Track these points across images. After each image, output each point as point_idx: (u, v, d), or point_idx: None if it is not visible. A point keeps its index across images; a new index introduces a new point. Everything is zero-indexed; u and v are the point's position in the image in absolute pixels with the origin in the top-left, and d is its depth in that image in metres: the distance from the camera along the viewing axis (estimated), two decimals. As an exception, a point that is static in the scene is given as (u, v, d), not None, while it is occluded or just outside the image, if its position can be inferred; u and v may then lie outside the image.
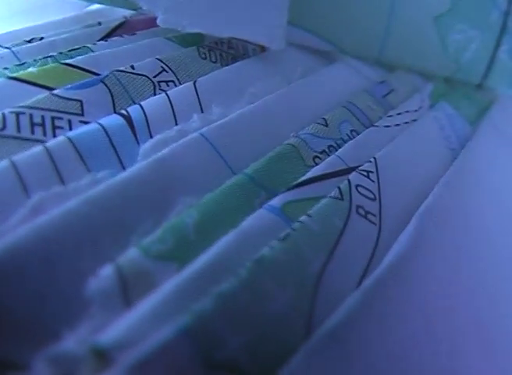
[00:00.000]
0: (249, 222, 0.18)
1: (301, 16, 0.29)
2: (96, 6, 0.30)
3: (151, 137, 0.20)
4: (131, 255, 0.16)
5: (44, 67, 0.22)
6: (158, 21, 0.24)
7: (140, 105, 0.21)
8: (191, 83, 0.23)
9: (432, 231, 0.20)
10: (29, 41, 0.25)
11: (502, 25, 0.28)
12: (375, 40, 0.30)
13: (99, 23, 0.27)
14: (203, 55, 0.25)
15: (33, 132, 0.19)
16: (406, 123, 0.25)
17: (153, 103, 0.22)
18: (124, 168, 0.19)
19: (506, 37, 0.29)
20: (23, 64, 0.22)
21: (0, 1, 0.30)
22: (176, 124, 0.21)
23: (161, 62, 0.24)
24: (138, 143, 0.20)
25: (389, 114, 0.25)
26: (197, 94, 0.23)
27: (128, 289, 0.16)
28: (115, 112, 0.21)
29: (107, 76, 0.22)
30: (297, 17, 0.29)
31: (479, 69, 0.30)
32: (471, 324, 0.19)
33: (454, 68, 0.30)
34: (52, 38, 0.25)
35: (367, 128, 0.24)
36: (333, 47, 0.30)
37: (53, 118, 0.20)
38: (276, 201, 0.19)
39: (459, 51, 0.29)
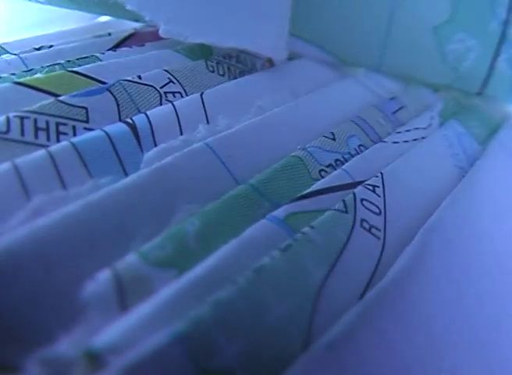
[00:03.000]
0: (250, 232, 0.18)
1: (301, 27, 0.29)
2: (107, 17, 0.30)
3: (156, 145, 0.20)
4: (130, 260, 0.16)
5: (51, 74, 0.22)
6: (160, 32, 0.24)
7: (146, 115, 0.21)
8: (198, 94, 0.23)
9: (436, 248, 0.20)
10: (38, 49, 0.25)
11: (501, 34, 0.28)
12: (374, 49, 0.30)
13: (109, 34, 0.27)
14: (211, 68, 0.25)
15: (36, 136, 0.19)
16: (414, 139, 0.25)
17: (159, 113, 0.21)
18: (127, 175, 0.19)
19: (505, 46, 0.28)
20: (30, 70, 0.22)
21: (16, 13, 0.31)
22: (182, 134, 0.21)
23: (169, 73, 0.24)
24: (142, 151, 0.20)
25: (398, 130, 0.25)
26: (204, 106, 0.23)
27: (125, 294, 0.15)
28: (120, 121, 0.21)
29: (113, 84, 0.22)
30: (297, 28, 0.29)
31: (478, 78, 0.30)
32: (473, 343, 0.19)
33: (453, 77, 0.30)
34: (61, 46, 0.25)
35: (375, 143, 0.24)
36: (333, 57, 0.30)
37: (58, 124, 0.20)
38: (279, 213, 0.19)
39: (458, 61, 0.29)
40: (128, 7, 0.24)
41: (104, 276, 0.16)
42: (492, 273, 0.21)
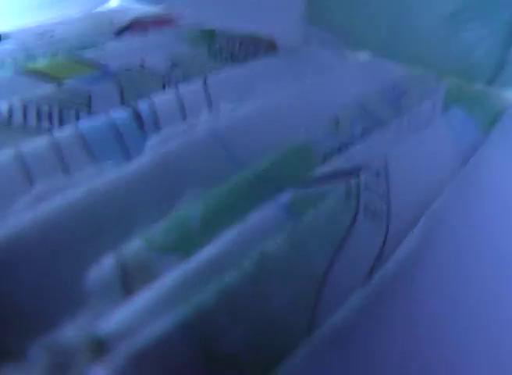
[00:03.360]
0: (255, 217, 0.18)
1: (312, 13, 0.29)
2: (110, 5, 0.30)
3: (159, 131, 0.20)
4: (134, 245, 0.16)
5: (54, 60, 0.22)
6: (177, 16, 0.24)
7: (149, 100, 0.21)
8: (201, 80, 0.23)
9: (439, 235, 0.20)
10: (41, 37, 0.25)
11: None
12: (386, 36, 0.30)
13: (111, 22, 0.27)
14: (213, 54, 0.25)
15: (39, 122, 0.19)
16: (417, 126, 0.25)
17: (162, 98, 0.21)
18: (130, 159, 0.19)
19: None
20: (33, 57, 0.22)
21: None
22: (185, 120, 0.21)
23: (172, 59, 0.24)
24: (146, 136, 0.20)
25: (401, 116, 0.25)
26: (207, 91, 0.23)
27: (129, 279, 0.15)
28: (123, 105, 0.21)
29: (116, 71, 0.22)
30: (308, 14, 0.29)
31: (489, 67, 0.30)
32: (475, 332, 0.19)
33: (465, 66, 0.30)
34: (63, 34, 0.25)
35: (379, 129, 0.24)
36: (344, 41, 0.30)
37: (61, 109, 0.20)
38: (284, 197, 0.19)
39: (470, 49, 0.29)
40: None
41: (108, 261, 0.16)
42: (494, 261, 0.21)
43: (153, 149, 0.19)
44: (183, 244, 0.17)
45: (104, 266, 0.15)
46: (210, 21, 0.25)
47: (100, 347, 0.14)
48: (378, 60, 0.29)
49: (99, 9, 0.29)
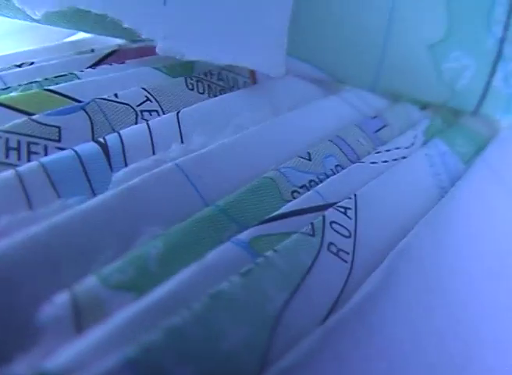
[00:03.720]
0: (213, 255, 0.18)
1: (296, 45, 0.29)
2: (84, 34, 0.30)
3: (127, 165, 0.20)
4: (88, 283, 0.16)
5: (26, 92, 0.22)
6: (157, 49, 0.24)
7: (119, 134, 0.21)
8: (174, 113, 0.23)
9: (404, 272, 0.20)
10: (19, 66, 0.25)
11: (497, 52, 0.28)
12: (369, 68, 0.30)
13: (92, 50, 0.28)
14: (190, 86, 0.25)
15: (7, 156, 0.20)
16: (394, 159, 0.24)
17: (132, 132, 0.21)
18: (96, 195, 0.19)
19: (501, 64, 0.29)
20: (7, 88, 0.23)
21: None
22: (154, 154, 0.21)
23: (146, 91, 0.24)
24: (112, 171, 0.20)
25: (378, 150, 0.25)
26: (179, 124, 0.23)
27: (81, 317, 0.16)
28: (93, 140, 0.21)
29: (88, 103, 0.22)
30: (292, 47, 0.29)
31: (474, 96, 0.30)
32: (445, 367, 0.19)
33: (449, 95, 0.30)
34: (41, 64, 0.25)
35: (353, 164, 0.24)
36: (327, 75, 0.30)
37: (29, 143, 0.20)
38: (245, 235, 0.19)
39: (454, 79, 0.29)
40: (124, 25, 0.24)
41: (61, 298, 0.16)
42: (465, 295, 0.21)
43: (118, 184, 0.19)
44: (139, 282, 0.17)
45: (57, 303, 0.16)
46: (190, 52, 0.25)
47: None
48: (360, 92, 0.29)
49: (76, 36, 0.30)
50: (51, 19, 0.26)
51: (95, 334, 0.15)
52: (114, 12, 0.24)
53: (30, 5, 0.25)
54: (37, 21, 0.26)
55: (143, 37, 0.24)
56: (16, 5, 0.25)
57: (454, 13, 0.28)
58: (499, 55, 0.28)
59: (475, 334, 0.20)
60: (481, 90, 0.29)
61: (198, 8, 0.25)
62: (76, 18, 0.27)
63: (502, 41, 0.28)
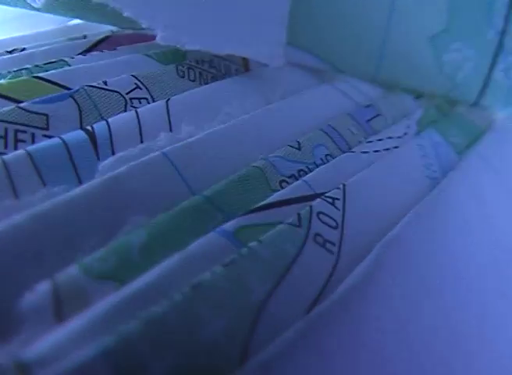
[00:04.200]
0: (197, 245, 0.18)
1: (297, 35, 0.29)
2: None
3: (114, 154, 0.20)
4: (70, 272, 0.16)
5: (14, 80, 0.22)
6: (157, 38, 0.24)
7: (107, 122, 0.21)
8: (163, 101, 0.23)
9: (390, 264, 0.20)
10: (10, 52, 0.25)
11: (498, 44, 0.28)
12: (370, 59, 0.30)
13: (84, 37, 0.27)
14: (181, 74, 0.25)
15: (-6, 145, 0.20)
16: (386, 149, 0.24)
17: (120, 120, 0.21)
18: (82, 184, 0.19)
19: (501, 56, 0.28)
20: (-3, 74, 0.23)
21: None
22: (142, 142, 0.21)
23: (136, 78, 0.24)
24: (99, 159, 0.20)
25: (370, 139, 0.25)
26: (168, 113, 0.23)
27: (62, 306, 0.16)
28: (81, 128, 0.21)
29: (77, 90, 0.22)
30: (293, 37, 0.29)
31: (474, 88, 0.30)
32: (431, 363, 0.19)
33: (449, 87, 0.30)
34: (32, 50, 0.25)
35: (344, 153, 0.23)
36: (329, 66, 0.30)
37: (16, 131, 0.20)
38: (230, 225, 0.19)
39: (454, 71, 0.29)
40: (125, 14, 0.24)
41: (42, 287, 0.16)
42: (453, 288, 0.21)
43: (104, 172, 0.19)
44: (121, 271, 0.17)
45: (38, 292, 0.16)
46: (191, 42, 0.25)
47: (24, 372, 0.14)
48: (355, 81, 0.29)
49: (75, 21, 0.30)
50: (51, 7, 0.26)
51: (75, 324, 0.15)
52: (114, 1, 0.24)
53: (30, -6, 0.25)
54: (38, 9, 0.26)
55: (143, 26, 0.24)
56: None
57: (455, 5, 0.28)
58: (499, 47, 0.28)
59: (463, 326, 0.20)
60: (482, 81, 0.29)
61: None
62: (76, 6, 0.27)
63: (502, 32, 0.28)
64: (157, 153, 0.20)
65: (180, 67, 0.26)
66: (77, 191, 0.18)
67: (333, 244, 0.19)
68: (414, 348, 0.19)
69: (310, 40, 0.29)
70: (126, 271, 0.17)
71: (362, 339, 0.18)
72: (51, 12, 0.27)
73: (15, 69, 0.23)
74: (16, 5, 0.27)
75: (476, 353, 0.19)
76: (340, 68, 0.30)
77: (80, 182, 0.19)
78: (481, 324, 0.20)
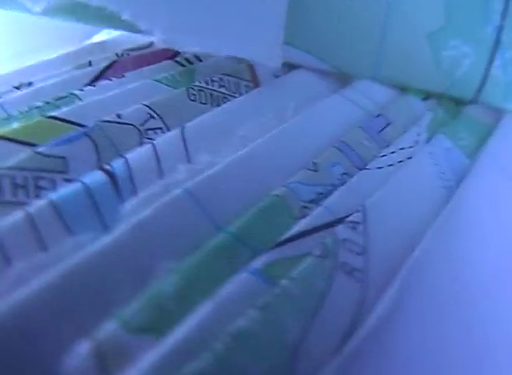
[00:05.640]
0: (229, 287, 0.18)
1: (295, 36, 0.29)
2: (88, 42, 0.29)
3: (135, 192, 0.20)
4: (109, 329, 0.16)
5: (28, 123, 0.22)
6: (156, 41, 0.24)
7: (126, 159, 0.21)
8: (178, 130, 0.23)
9: (416, 289, 0.20)
10: (17, 88, 0.25)
11: (495, 40, 0.28)
12: (368, 57, 0.30)
13: (90, 63, 0.27)
14: (192, 97, 0.25)
15: (15, 195, 0.19)
16: (400, 161, 0.24)
17: (138, 155, 0.21)
18: (107, 227, 0.19)
19: (499, 51, 0.29)
20: (7, 118, 0.22)
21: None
22: (161, 175, 0.21)
23: (149, 107, 0.23)
24: (122, 200, 0.20)
25: (383, 153, 0.25)
26: (184, 142, 0.22)
27: (106, 364, 0.16)
28: (99, 166, 0.21)
29: (92, 128, 0.22)
30: (291, 36, 0.29)
31: (473, 84, 0.30)
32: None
33: (448, 84, 0.30)
34: (39, 85, 0.25)
35: (359, 169, 0.24)
36: (328, 65, 0.30)
37: (36, 178, 0.20)
38: (258, 263, 0.19)
39: (452, 67, 0.29)
40: (123, 17, 0.24)
41: (84, 348, 0.16)
42: (480, 307, 0.21)
43: (128, 215, 0.19)
44: (158, 323, 0.17)
45: (81, 353, 0.16)
46: (189, 44, 0.24)
47: None
48: (363, 87, 0.29)
49: (77, 48, 0.29)
50: (51, 12, 0.26)
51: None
52: (113, 5, 0.24)
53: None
54: (37, 14, 0.26)
55: (141, 28, 0.24)
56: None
57: (452, 1, 0.28)
58: (497, 43, 0.28)
59: (490, 350, 0.20)
60: (480, 77, 0.29)
61: (196, 0, 0.25)
62: (75, 10, 0.26)
63: (500, 28, 0.28)
64: (179, 191, 0.20)
65: (191, 90, 0.25)
66: (105, 240, 0.18)
67: (360, 271, 0.20)
68: (442, 371, 0.19)
69: (308, 39, 0.29)
70: (164, 322, 0.17)
71: (394, 369, 0.18)
72: (50, 17, 0.27)
73: (26, 109, 0.23)
74: (16, 10, 0.26)
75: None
76: (339, 67, 0.30)
77: (105, 227, 0.19)
78: (509, 345, 0.20)
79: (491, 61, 0.29)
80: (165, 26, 0.24)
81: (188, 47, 0.25)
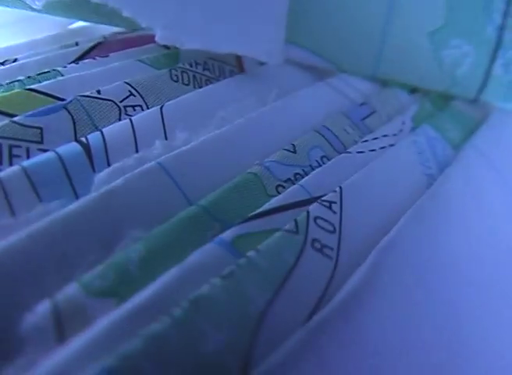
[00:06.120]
0: (195, 256, 0.18)
1: (296, 33, 0.29)
2: (78, 24, 0.30)
3: (109, 165, 0.20)
4: (70, 291, 0.16)
5: (7, 93, 0.22)
6: (156, 38, 0.24)
7: (101, 132, 0.21)
8: (157, 107, 0.23)
9: (390, 267, 0.20)
10: (2, 63, 0.25)
11: (497, 39, 0.28)
12: (369, 56, 0.30)
13: (76, 44, 0.27)
14: (175, 78, 0.25)
15: (-11, 162, 0.20)
16: (382, 148, 0.24)
17: (115, 130, 0.21)
18: (78, 198, 0.19)
19: (501, 51, 0.28)
20: (-11, 88, 0.22)
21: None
22: (137, 151, 0.21)
23: (130, 85, 0.24)
24: (95, 172, 0.20)
25: (365, 139, 0.24)
26: (163, 119, 0.22)
27: (63, 326, 0.16)
28: (76, 139, 0.21)
29: (70, 101, 0.22)
30: (292, 34, 0.29)
31: (474, 83, 0.30)
32: (430, 366, 0.19)
33: (449, 83, 0.30)
34: (24, 60, 0.25)
35: (340, 154, 0.23)
36: (328, 63, 0.30)
37: (11, 146, 0.20)
38: (227, 235, 0.19)
39: (454, 67, 0.29)
40: (124, 14, 0.24)
41: (42, 307, 0.16)
42: (454, 287, 0.21)
43: (101, 185, 0.19)
44: (120, 287, 0.17)
45: (39, 313, 0.16)
46: (190, 41, 0.25)
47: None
48: (349, 77, 0.29)
49: (68, 27, 0.29)
50: (51, 8, 0.26)
51: (76, 344, 0.15)
52: (113, 1, 0.24)
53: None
54: (37, 11, 0.26)
55: (142, 25, 0.24)
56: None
57: (454, 0, 0.28)
58: (498, 43, 0.28)
59: (464, 330, 0.20)
60: (482, 77, 0.29)
61: None
62: (75, 7, 0.27)
63: (501, 28, 0.28)
64: (152, 163, 0.20)
65: (174, 71, 0.25)
66: (73, 206, 0.18)
67: (331, 248, 0.19)
68: (416, 352, 0.19)
69: (308, 37, 0.29)
70: (126, 287, 0.17)
71: (363, 345, 0.18)
72: (50, 13, 0.27)
73: (7, 82, 0.23)
74: (15, 7, 0.27)
75: (478, 353, 0.20)
76: (339, 65, 0.30)
77: (77, 196, 0.19)
78: (483, 326, 0.20)
79: (492, 60, 0.29)
80: (166, 23, 0.24)
81: (189, 44, 0.25)
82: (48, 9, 0.26)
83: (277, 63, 0.27)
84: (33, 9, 0.26)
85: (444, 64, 0.29)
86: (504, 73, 0.29)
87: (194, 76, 0.26)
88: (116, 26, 0.29)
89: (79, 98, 0.22)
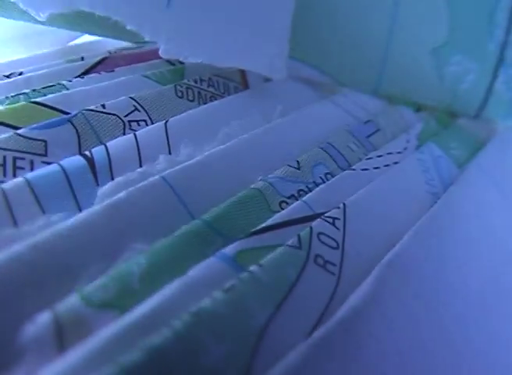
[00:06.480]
0: (197, 270, 0.18)
1: (299, 49, 0.29)
2: (84, 39, 0.30)
3: (113, 179, 0.20)
4: (70, 302, 0.16)
5: (12, 105, 0.22)
6: (160, 52, 0.24)
7: (105, 146, 0.21)
8: (162, 122, 0.23)
9: (391, 285, 0.19)
10: (7, 76, 0.25)
11: (499, 56, 0.28)
12: (371, 72, 0.30)
13: (82, 58, 0.27)
14: (179, 94, 0.25)
15: (-7, 174, 0.20)
16: (386, 165, 0.24)
17: (119, 144, 0.21)
18: (81, 211, 0.19)
19: (503, 68, 0.29)
20: (-5, 100, 0.23)
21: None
22: (141, 166, 0.21)
23: (135, 100, 0.24)
24: (98, 185, 0.20)
25: (369, 156, 0.24)
26: (167, 135, 0.23)
27: (63, 337, 0.16)
28: (80, 153, 0.21)
29: (75, 115, 0.22)
30: (295, 49, 0.29)
31: (476, 100, 0.30)
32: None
33: (451, 99, 0.30)
34: (29, 74, 0.25)
35: (344, 171, 0.23)
36: (330, 79, 0.30)
37: (15, 158, 0.20)
38: (230, 250, 0.18)
39: (456, 83, 0.29)
40: (128, 27, 0.24)
41: (43, 318, 0.16)
42: (454, 305, 0.21)
43: (103, 198, 0.19)
44: (121, 299, 0.17)
45: (39, 323, 0.16)
46: (193, 55, 0.25)
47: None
48: (355, 95, 0.29)
49: (73, 43, 0.30)
50: (55, 20, 0.27)
51: (76, 354, 0.15)
52: (117, 14, 0.24)
53: (34, 7, 0.25)
54: (42, 23, 0.26)
55: (146, 39, 0.24)
56: (21, 6, 0.25)
57: (456, 17, 0.28)
58: (500, 60, 0.28)
59: (466, 347, 0.20)
60: (483, 94, 0.29)
61: (201, 11, 0.25)
62: (79, 20, 0.27)
63: (503, 45, 0.28)
64: (156, 177, 0.20)
65: (179, 87, 0.26)
66: (77, 218, 0.18)
67: (334, 265, 0.19)
68: (417, 370, 0.18)
69: (311, 53, 0.30)
70: (127, 299, 0.17)
71: (363, 362, 0.18)
72: (54, 26, 0.27)
73: (12, 95, 0.23)
74: (21, 19, 0.27)
75: (480, 371, 0.19)
76: (342, 81, 0.30)
77: (80, 209, 0.19)
78: (485, 342, 0.20)
79: (494, 77, 0.29)
80: (170, 37, 0.25)
81: (192, 58, 0.25)
82: (51, 22, 0.27)
83: (280, 78, 0.28)
84: (37, 22, 0.26)
85: (446, 80, 0.29)
86: (506, 90, 0.29)
87: (199, 93, 0.26)
88: (120, 39, 0.30)
89: (83, 111, 0.22)
